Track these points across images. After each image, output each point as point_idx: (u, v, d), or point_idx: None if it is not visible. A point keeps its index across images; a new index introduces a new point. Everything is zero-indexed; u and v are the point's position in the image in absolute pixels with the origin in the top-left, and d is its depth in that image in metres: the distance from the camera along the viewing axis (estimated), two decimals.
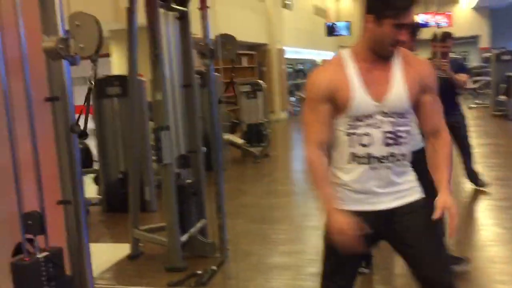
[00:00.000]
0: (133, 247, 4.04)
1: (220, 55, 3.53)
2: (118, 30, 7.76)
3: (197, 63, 4.03)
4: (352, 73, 1.79)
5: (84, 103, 2.17)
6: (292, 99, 17.40)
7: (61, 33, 2.09)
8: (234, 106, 9.59)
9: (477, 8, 21.86)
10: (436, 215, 1.75)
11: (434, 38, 4.71)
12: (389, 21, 1.71)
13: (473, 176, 5.33)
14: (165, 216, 3.77)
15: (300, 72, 18.35)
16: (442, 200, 1.75)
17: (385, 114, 1.78)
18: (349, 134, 1.81)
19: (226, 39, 3.70)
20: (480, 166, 5.46)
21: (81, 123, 2.17)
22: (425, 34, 3.25)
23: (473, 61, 21.51)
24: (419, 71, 1.84)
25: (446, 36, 4.75)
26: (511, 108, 10.90)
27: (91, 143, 6.08)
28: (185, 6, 3.85)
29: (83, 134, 2.10)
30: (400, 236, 1.85)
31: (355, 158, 1.82)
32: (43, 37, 2.14)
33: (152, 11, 3.44)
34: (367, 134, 1.79)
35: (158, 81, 3.50)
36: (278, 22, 15.10)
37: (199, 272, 3.50)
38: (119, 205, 5.04)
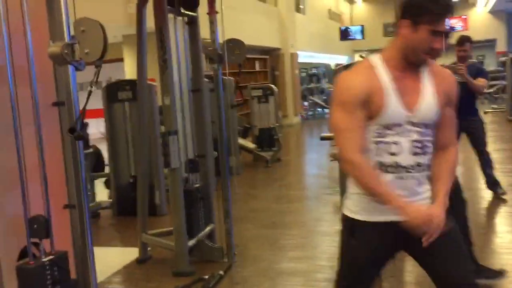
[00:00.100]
0: (141, 251, 4.05)
1: (226, 60, 3.53)
2: (131, 35, 7.82)
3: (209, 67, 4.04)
4: (386, 80, 1.75)
5: (84, 107, 2.18)
6: (305, 103, 17.36)
7: (66, 39, 2.11)
8: (241, 110, 9.60)
9: (493, 12, 21.62)
10: (420, 218, 1.72)
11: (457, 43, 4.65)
12: (425, 27, 1.68)
13: (492, 183, 5.24)
14: (173, 221, 3.77)
15: (313, 76, 18.30)
16: (433, 210, 1.72)
17: (413, 123, 1.76)
18: (376, 143, 1.77)
19: (235, 44, 3.70)
20: (495, 172, 5.37)
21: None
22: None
23: (490, 65, 21.24)
24: (446, 83, 1.83)
25: (464, 39, 4.68)
26: None
27: (103, 147, 6.13)
28: (194, 11, 3.87)
29: (78, 137, 2.11)
30: (420, 246, 1.77)
31: (382, 167, 1.78)
32: (49, 42, 2.16)
33: (160, 16, 3.46)
34: (395, 143, 1.76)
35: (166, 86, 3.52)
36: (291, 26, 15.11)
37: (206, 277, 3.50)
38: (130, 209, 5.07)
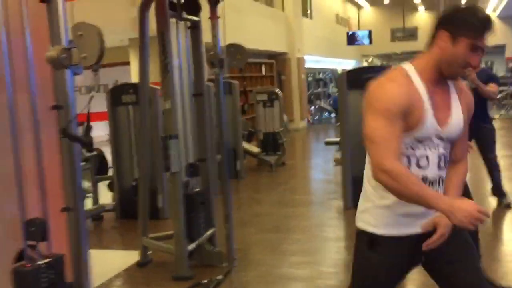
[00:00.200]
0: (142, 254, 4.06)
1: (228, 64, 3.54)
2: (137, 39, 7.87)
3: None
4: (423, 93, 1.71)
5: (88, 111, 2.20)
6: (312, 108, 17.35)
7: (64, 43, 2.13)
8: (246, 114, 9.61)
9: (502, 17, 21.48)
10: (425, 226, 1.72)
11: None
12: (465, 40, 1.65)
13: (498, 192, 5.19)
14: (173, 225, 3.78)
15: (320, 81, 18.29)
16: (441, 218, 1.69)
17: (441, 138, 1.76)
18: (407, 155, 1.74)
19: (236, 49, 3.71)
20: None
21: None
22: None
23: (499, 71, 21.11)
24: (468, 99, 1.83)
25: None
26: None
27: (107, 150, 6.16)
28: (197, 16, 3.88)
29: (71, 138, 2.12)
30: (441, 253, 1.78)
31: None
32: (49, 46, 2.18)
33: (162, 20, 3.47)
34: (424, 156, 1.75)
35: (167, 90, 3.53)
36: (298, 31, 15.13)
37: (204, 281, 3.49)
38: (133, 212, 5.06)
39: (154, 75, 3.99)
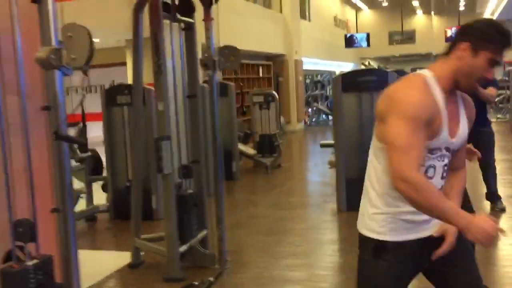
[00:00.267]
0: (134, 256, 4.05)
1: (221, 66, 3.54)
2: None
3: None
4: (441, 102, 1.69)
5: (83, 111, 2.20)
6: (309, 110, 17.37)
7: (54, 44, 2.12)
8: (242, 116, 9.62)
9: (500, 21, 21.51)
10: (436, 233, 1.77)
11: None
12: (486, 54, 1.65)
13: (493, 197, 5.20)
14: (165, 226, 3.77)
15: (318, 83, 18.32)
16: (449, 226, 1.72)
17: (448, 149, 1.75)
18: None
19: (230, 51, 3.71)
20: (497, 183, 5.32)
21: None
22: None
23: (497, 74, 21.15)
24: (471, 109, 1.83)
25: None
26: None
27: (101, 150, 6.15)
28: (191, 17, 3.88)
29: (67, 140, 2.12)
30: (442, 257, 1.78)
31: None
32: (39, 47, 2.18)
33: (155, 22, 3.47)
34: (432, 167, 1.74)
35: (160, 91, 3.53)
36: (296, 33, 15.15)
37: (196, 283, 3.49)
38: (127, 213, 5.03)
39: (148, 76, 3.99)
